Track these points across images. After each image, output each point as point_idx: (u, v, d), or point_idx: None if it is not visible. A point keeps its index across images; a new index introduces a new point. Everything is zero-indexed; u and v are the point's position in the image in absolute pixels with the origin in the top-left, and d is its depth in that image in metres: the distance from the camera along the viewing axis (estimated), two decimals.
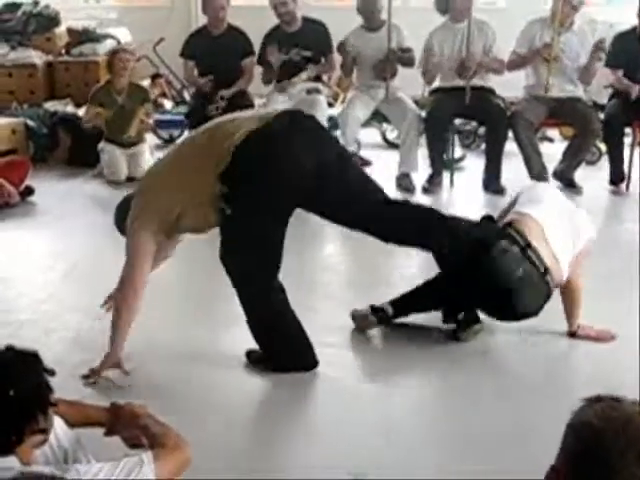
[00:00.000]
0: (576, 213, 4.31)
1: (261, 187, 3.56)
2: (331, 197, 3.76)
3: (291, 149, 3.60)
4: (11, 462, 1.97)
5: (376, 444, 3.27)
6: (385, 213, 3.96)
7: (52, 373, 2.11)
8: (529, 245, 3.98)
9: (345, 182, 3.82)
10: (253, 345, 3.93)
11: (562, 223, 4.16)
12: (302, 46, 7.26)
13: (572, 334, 4.25)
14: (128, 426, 2.40)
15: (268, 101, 7.18)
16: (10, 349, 2.08)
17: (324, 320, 4.36)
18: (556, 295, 4.20)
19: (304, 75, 7.29)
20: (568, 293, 4.20)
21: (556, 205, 4.27)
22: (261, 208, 3.61)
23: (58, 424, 2.23)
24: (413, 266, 5.37)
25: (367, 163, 7.87)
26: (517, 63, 7.07)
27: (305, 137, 3.69)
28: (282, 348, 3.86)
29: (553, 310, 4.22)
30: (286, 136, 3.60)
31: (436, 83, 7.28)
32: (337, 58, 7.33)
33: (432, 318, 4.35)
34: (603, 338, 4.21)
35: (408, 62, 7.20)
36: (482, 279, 4.00)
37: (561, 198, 4.40)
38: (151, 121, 7.61)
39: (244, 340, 3.96)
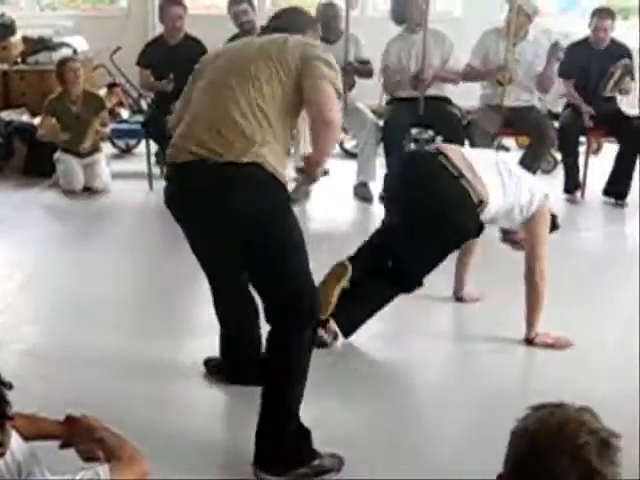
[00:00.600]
0: (522, 173, 4.43)
1: None
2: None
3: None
4: None
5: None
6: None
7: (9, 387, 2.08)
8: (453, 165, 4.08)
9: None
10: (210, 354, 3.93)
11: (487, 159, 4.34)
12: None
13: (529, 341, 4.28)
14: (84, 439, 2.38)
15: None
16: None
17: None
18: (514, 303, 4.24)
19: None
20: (529, 294, 4.25)
21: (487, 152, 4.52)
22: None
23: (13, 437, 2.20)
24: None
25: (325, 172, 7.88)
26: (472, 77, 7.13)
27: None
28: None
29: (511, 318, 4.26)
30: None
31: (394, 93, 7.31)
32: None
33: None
34: (560, 345, 4.24)
35: (366, 74, 7.24)
36: (418, 200, 4.11)
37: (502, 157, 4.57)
38: (107, 130, 7.56)
39: (202, 350, 3.95)
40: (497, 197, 4.13)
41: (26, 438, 2.34)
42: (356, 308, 4.22)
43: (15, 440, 2.24)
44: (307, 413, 3.15)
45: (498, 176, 4.19)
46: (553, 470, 1.60)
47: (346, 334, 4.21)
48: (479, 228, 4.17)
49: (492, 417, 3.53)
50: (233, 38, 7.31)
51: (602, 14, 7.09)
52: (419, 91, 6.93)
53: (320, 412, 3.44)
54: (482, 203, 4.05)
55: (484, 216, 4.12)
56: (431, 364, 4.18)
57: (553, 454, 1.60)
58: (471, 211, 4.06)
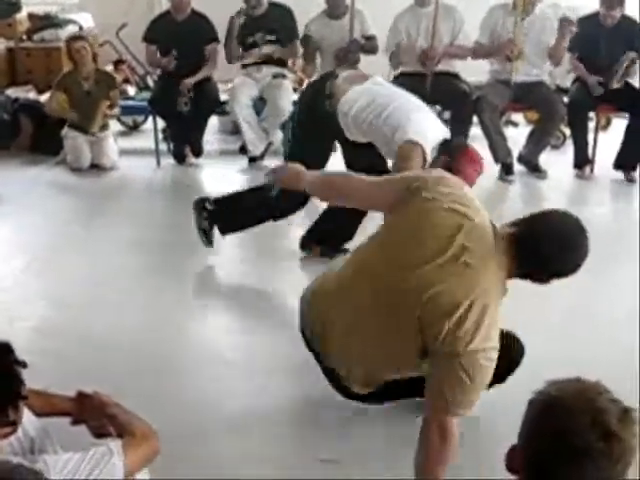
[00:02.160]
0: (414, 109, 4.65)
1: None
2: None
3: None
4: None
5: None
6: None
7: (24, 365, 2.08)
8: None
9: None
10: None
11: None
12: (267, 30, 7.23)
13: None
14: (95, 415, 2.38)
15: (234, 86, 7.14)
16: None
17: None
18: None
19: (265, 49, 7.23)
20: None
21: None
22: None
23: (25, 414, 2.20)
24: None
25: None
26: (480, 54, 7.08)
27: None
28: None
29: None
30: None
31: (401, 68, 7.27)
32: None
33: None
34: None
35: (371, 50, 7.20)
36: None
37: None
38: (116, 110, 7.54)
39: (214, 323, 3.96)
40: (354, 99, 4.50)
41: (38, 414, 2.34)
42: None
43: (27, 417, 2.25)
44: None
45: (373, 92, 4.56)
46: (573, 429, 1.58)
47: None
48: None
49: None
50: (238, 13, 7.30)
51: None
52: (427, 68, 6.89)
53: None
54: (333, 95, 4.56)
55: (340, 107, 4.53)
56: None
57: (574, 413, 1.59)
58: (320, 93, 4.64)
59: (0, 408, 2.00)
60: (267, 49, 7.24)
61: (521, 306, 4.35)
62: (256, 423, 3.37)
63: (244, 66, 7.31)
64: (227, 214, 5.05)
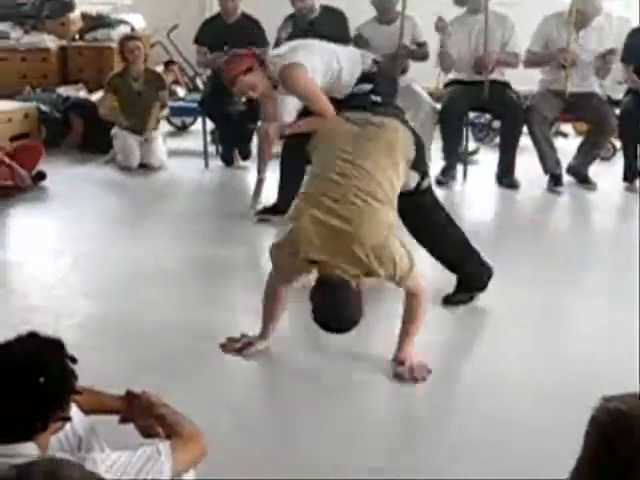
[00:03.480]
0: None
1: None
2: None
3: None
4: (30, 449, 1.96)
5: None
6: None
7: (74, 360, 2.09)
8: None
9: None
10: None
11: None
12: (319, 34, 7.20)
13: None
14: (143, 415, 2.39)
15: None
16: (33, 335, 2.06)
17: None
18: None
19: None
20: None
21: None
22: None
23: (73, 411, 2.21)
24: None
25: None
26: (533, 62, 7.02)
27: None
28: None
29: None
30: None
31: (451, 75, 7.23)
32: None
33: None
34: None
35: (421, 57, 7.14)
36: None
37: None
38: (166, 111, 7.60)
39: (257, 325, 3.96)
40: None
41: (86, 412, 2.35)
42: None
43: (75, 413, 2.25)
44: None
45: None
46: None
47: None
48: None
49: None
50: (290, 17, 7.30)
51: None
52: (483, 75, 6.84)
53: None
54: None
55: None
56: None
57: None
58: None
59: (55, 403, 2.01)
60: None
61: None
62: None
63: None
64: None
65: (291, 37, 7.18)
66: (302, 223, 3.55)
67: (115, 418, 2.47)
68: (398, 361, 3.79)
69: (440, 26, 6.92)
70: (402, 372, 3.72)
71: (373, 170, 3.63)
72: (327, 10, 7.29)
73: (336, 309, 3.50)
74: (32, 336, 2.06)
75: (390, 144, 3.78)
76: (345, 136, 3.82)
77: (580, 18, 6.73)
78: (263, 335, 3.95)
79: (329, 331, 3.61)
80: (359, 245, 3.45)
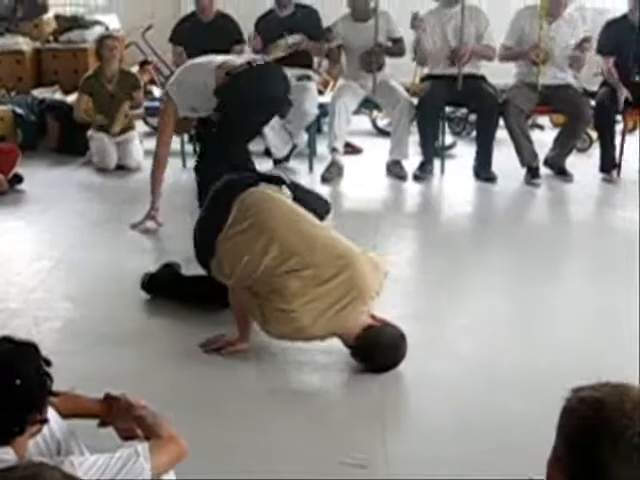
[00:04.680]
0: None
1: None
2: None
3: None
4: (6, 453, 1.95)
5: None
6: None
7: (48, 363, 2.09)
8: None
9: None
10: None
11: None
12: (293, 30, 7.23)
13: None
14: (122, 417, 2.38)
15: None
16: (6, 339, 2.06)
17: None
18: None
19: (291, 39, 7.22)
20: None
21: None
22: None
23: (51, 415, 2.21)
24: None
25: (358, 150, 7.86)
26: (507, 57, 7.06)
27: None
28: None
29: None
30: None
31: (427, 70, 7.25)
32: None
33: None
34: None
35: (397, 53, 7.17)
36: None
37: None
38: (141, 110, 7.58)
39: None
40: None
41: (64, 416, 2.34)
42: None
43: (54, 418, 2.25)
44: None
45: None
46: (620, 429, 1.56)
47: None
48: None
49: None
50: (267, 13, 7.32)
51: None
52: (457, 67, 6.86)
53: None
54: None
55: None
56: None
57: (627, 413, 1.57)
58: None
59: (31, 406, 2.01)
60: (293, 39, 7.21)
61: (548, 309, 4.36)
62: None
63: None
64: None
65: (267, 33, 7.23)
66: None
67: (94, 422, 2.46)
68: None
69: (416, 24, 6.94)
70: None
71: None
72: (301, 7, 7.31)
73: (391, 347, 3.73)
74: (5, 340, 2.06)
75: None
76: None
77: (551, 8, 6.75)
78: (242, 336, 3.95)
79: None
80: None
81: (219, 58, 5.56)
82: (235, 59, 5.63)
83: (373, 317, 3.80)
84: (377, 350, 3.69)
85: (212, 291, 4.14)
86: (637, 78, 6.83)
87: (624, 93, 6.81)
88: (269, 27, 7.29)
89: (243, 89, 5.33)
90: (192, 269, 4.45)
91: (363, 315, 3.75)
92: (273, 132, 7.13)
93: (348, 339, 3.73)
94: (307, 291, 3.65)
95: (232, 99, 5.31)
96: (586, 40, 6.83)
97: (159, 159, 5.85)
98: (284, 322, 3.67)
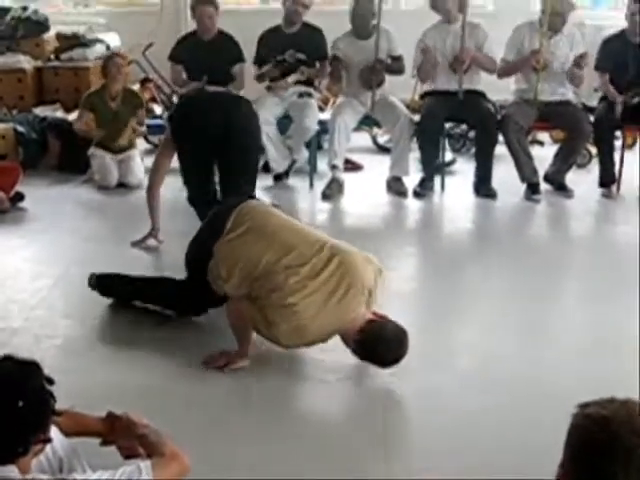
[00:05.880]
0: None
1: None
2: None
3: None
4: (11, 471, 1.96)
5: None
6: None
7: (51, 382, 2.09)
8: None
9: None
10: None
11: None
12: (298, 49, 7.27)
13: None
14: (125, 436, 2.39)
15: (260, 103, 7.14)
16: (8, 358, 2.06)
17: None
18: None
19: (294, 77, 7.29)
20: None
21: None
22: None
23: (54, 433, 2.21)
24: None
25: (358, 167, 7.87)
26: (507, 70, 7.08)
27: None
28: None
29: None
30: None
31: (427, 86, 7.27)
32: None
33: None
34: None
35: (397, 70, 7.18)
36: None
37: None
38: (144, 128, 7.61)
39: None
40: None
41: (67, 434, 2.35)
42: None
43: (56, 436, 2.25)
44: None
45: None
46: (624, 447, 1.57)
47: None
48: None
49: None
50: (269, 32, 7.37)
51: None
52: (458, 74, 6.89)
53: None
54: None
55: None
56: None
57: (628, 433, 1.58)
58: None
59: (34, 426, 2.01)
60: (295, 77, 7.28)
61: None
62: None
63: (271, 81, 7.35)
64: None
65: (270, 51, 7.27)
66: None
67: (97, 440, 2.47)
68: None
69: (425, 51, 6.97)
70: None
71: None
72: (307, 26, 7.35)
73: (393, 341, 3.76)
74: (7, 359, 2.06)
75: None
76: None
77: (552, 21, 6.78)
78: (242, 352, 3.96)
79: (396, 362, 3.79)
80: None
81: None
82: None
83: (374, 314, 3.85)
84: (381, 343, 3.71)
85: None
86: (636, 99, 6.84)
87: (620, 102, 6.83)
88: (273, 42, 7.33)
89: (183, 116, 5.53)
90: None
91: (363, 307, 3.80)
92: (273, 146, 7.16)
93: (350, 335, 3.76)
94: (306, 284, 3.72)
95: (175, 125, 5.49)
96: (582, 56, 6.86)
97: (153, 187, 5.65)
98: (287, 319, 3.68)
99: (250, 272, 3.83)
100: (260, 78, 7.40)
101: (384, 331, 3.75)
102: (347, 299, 3.75)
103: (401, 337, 3.77)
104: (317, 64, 7.39)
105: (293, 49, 7.27)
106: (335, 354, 3.97)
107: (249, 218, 4.03)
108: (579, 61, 6.84)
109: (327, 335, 3.81)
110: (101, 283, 4.69)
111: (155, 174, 5.65)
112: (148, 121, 7.78)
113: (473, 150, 7.72)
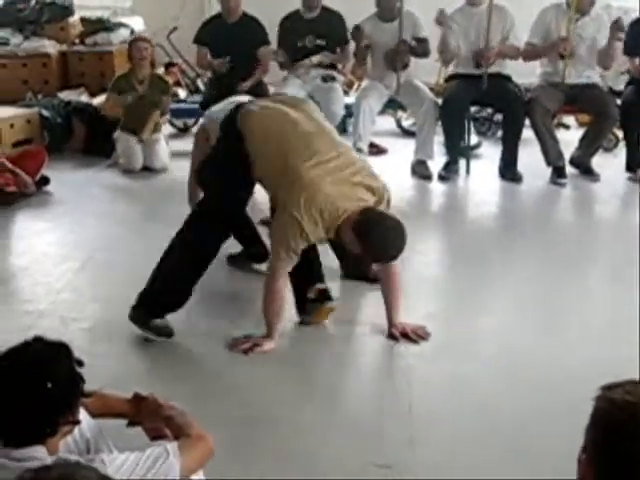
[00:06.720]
0: None
1: None
2: None
3: None
4: (40, 452, 1.97)
5: None
6: None
7: (81, 364, 2.10)
8: None
9: None
10: None
11: None
12: (317, 34, 7.25)
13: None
14: (151, 417, 2.39)
15: (284, 86, 7.12)
16: (39, 340, 2.07)
17: None
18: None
19: (315, 59, 7.27)
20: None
21: None
22: None
23: (81, 414, 2.22)
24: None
25: (383, 151, 7.85)
26: (532, 54, 7.01)
27: None
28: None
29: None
30: None
31: (452, 69, 7.23)
32: (352, 47, 7.30)
33: None
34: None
35: (422, 53, 7.12)
36: None
37: None
38: (167, 116, 7.62)
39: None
40: None
41: (94, 415, 2.36)
42: None
43: (83, 417, 2.26)
44: None
45: None
46: None
47: None
48: None
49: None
50: (293, 14, 7.36)
51: None
52: (483, 68, 6.84)
53: None
54: None
55: None
56: None
57: None
58: None
59: (63, 407, 2.02)
60: (317, 59, 7.27)
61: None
62: None
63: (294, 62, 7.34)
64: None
65: (291, 35, 7.25)
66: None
67: (123, 421, 2.48)
68: (397, 333, 4.04)
69: (441, 19, 6.93)
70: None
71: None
72: (326, 10, 7.33)
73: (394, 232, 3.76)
74: (38, 341, 2.07)
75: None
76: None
77: (579, 6, 6.72)
78: (270, 335, 3.96)
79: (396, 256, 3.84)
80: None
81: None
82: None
83: None
84: (377, 227, 3.69)
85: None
86: None
87: None
88: (293, 27, 7.32)
89: None
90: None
91: (369, 199, 3.84)
92: None
93: (349, 225, 3.72)
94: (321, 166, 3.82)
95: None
96: (617, 25, 6.73)
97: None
98: (303, 188, 3.72)
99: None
100: (283, 66, 7.39)
101: (383, 218, 3.75)
102: (357, 178, 3.85)
103: (399, 230, 3.75)
104: (338, 49, 7.36)
105: (312, 35, 7.25)
106: (361, 336, 3.97)
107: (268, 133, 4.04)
108: (617, 26, 6.73)
109: (334, 210, 3.73)
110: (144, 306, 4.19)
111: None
112: (173, 105, 7.78)
113: (498, 133, 7.69)
